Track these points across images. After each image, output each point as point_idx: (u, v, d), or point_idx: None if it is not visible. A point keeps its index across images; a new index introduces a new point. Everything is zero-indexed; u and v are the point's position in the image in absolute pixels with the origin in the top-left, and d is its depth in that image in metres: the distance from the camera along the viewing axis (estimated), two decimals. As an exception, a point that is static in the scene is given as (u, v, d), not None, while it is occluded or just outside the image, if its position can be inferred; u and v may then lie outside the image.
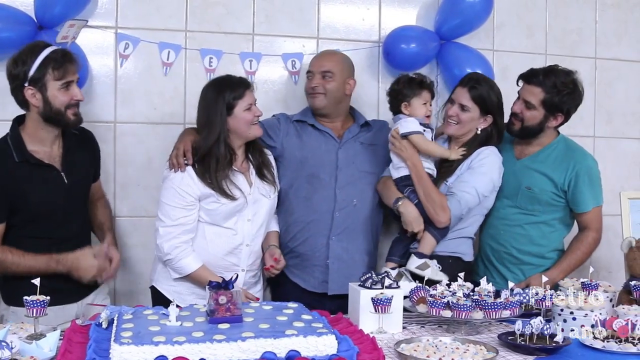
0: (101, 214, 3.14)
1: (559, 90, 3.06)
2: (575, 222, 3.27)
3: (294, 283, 3.27)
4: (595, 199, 3.16)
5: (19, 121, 2.83)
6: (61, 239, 2.84)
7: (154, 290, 3.10)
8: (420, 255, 3.02)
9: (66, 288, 2.81)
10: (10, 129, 2.82)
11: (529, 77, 3.12)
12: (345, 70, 3.33)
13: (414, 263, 3.00)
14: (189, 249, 2.96)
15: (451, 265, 3.03)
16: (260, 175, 3.10)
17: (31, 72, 2.67)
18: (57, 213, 2.83)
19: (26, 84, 2.69)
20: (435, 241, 3.08)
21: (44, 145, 2.81)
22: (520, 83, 3.16)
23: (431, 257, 3.06)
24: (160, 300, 2.94)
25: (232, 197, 2.96)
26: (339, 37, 3.70)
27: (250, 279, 3.12)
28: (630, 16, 4.14)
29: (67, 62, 2.73)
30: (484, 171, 3.07)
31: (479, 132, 3.15)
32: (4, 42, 3.15)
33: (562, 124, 3.17)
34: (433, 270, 2.97)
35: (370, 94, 3.71)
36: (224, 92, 2.96)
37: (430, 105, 3.20)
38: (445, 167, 3.17)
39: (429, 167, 3.14)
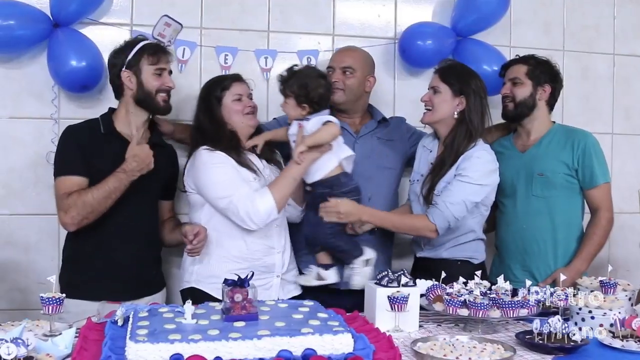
0: (171, 232, 3.18)
1: (537, 61, 3.30)
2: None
3: None
4: (604, 174, 3.22)
5: (112, 111, 3.07)
6: (112, 223, 2.90)
7: (192, 291, 2.95)
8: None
9: (123, 287, 2.92)
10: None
11: (511, 61, 3.41)
12: (366, 67, 3.33)
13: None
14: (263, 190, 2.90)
15: (459, 269, 2.95)
16: (268, 161, 3.12)
17: (128, 58, 2.93)
18: None
19: (123, 69, 2.93)
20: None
21: (130, 130, 2.98)
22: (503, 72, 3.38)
23: (439, 262, 3.06)
24: (202, 299, 2.65)
25: (253, 170, 2.97)
26: (354, 34, 3.68)
27: (288, 263, 3.09)
28: (649, 11, 4.10)
29: (161, 51, 2.99)
30: (469, 179, 2.93)
31: (455, 116, 3.04)
32: (20, 39, 3.17)
33: (550, 101, 3.30)
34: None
35: (386, 91, 3.70)
36: (213, 87, 3.06)
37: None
38: (437, 170, 3.05)
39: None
